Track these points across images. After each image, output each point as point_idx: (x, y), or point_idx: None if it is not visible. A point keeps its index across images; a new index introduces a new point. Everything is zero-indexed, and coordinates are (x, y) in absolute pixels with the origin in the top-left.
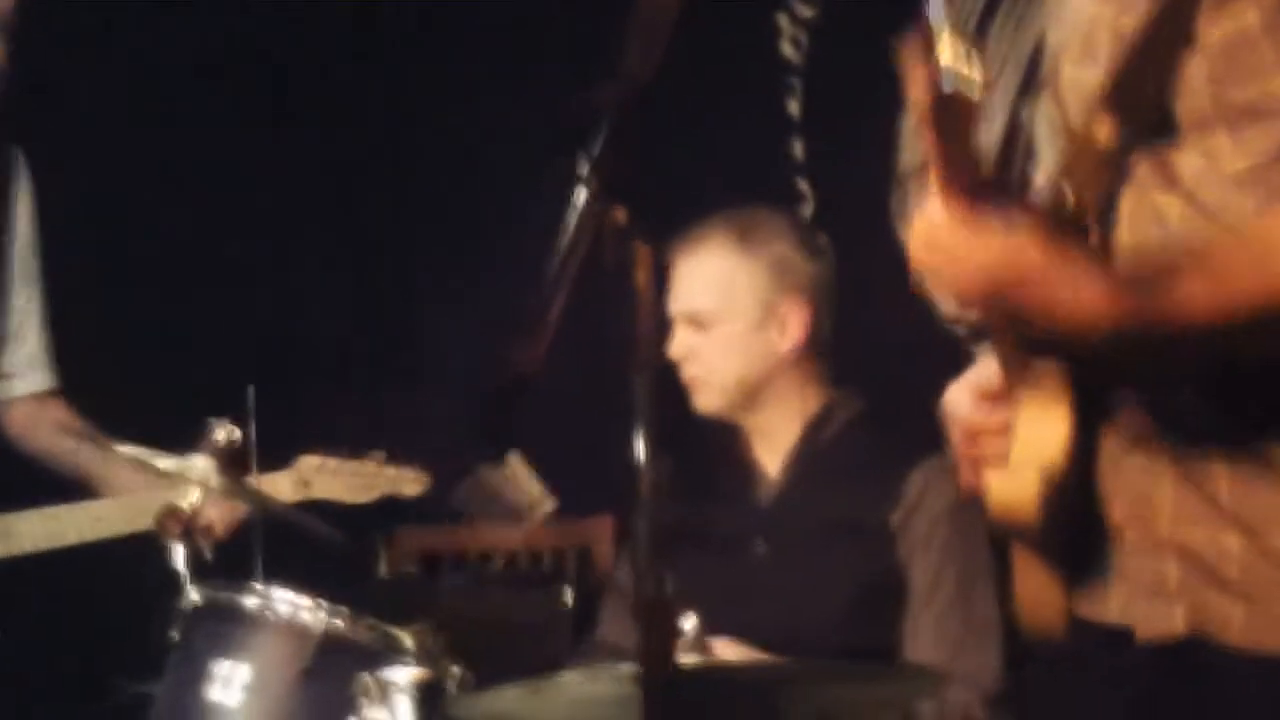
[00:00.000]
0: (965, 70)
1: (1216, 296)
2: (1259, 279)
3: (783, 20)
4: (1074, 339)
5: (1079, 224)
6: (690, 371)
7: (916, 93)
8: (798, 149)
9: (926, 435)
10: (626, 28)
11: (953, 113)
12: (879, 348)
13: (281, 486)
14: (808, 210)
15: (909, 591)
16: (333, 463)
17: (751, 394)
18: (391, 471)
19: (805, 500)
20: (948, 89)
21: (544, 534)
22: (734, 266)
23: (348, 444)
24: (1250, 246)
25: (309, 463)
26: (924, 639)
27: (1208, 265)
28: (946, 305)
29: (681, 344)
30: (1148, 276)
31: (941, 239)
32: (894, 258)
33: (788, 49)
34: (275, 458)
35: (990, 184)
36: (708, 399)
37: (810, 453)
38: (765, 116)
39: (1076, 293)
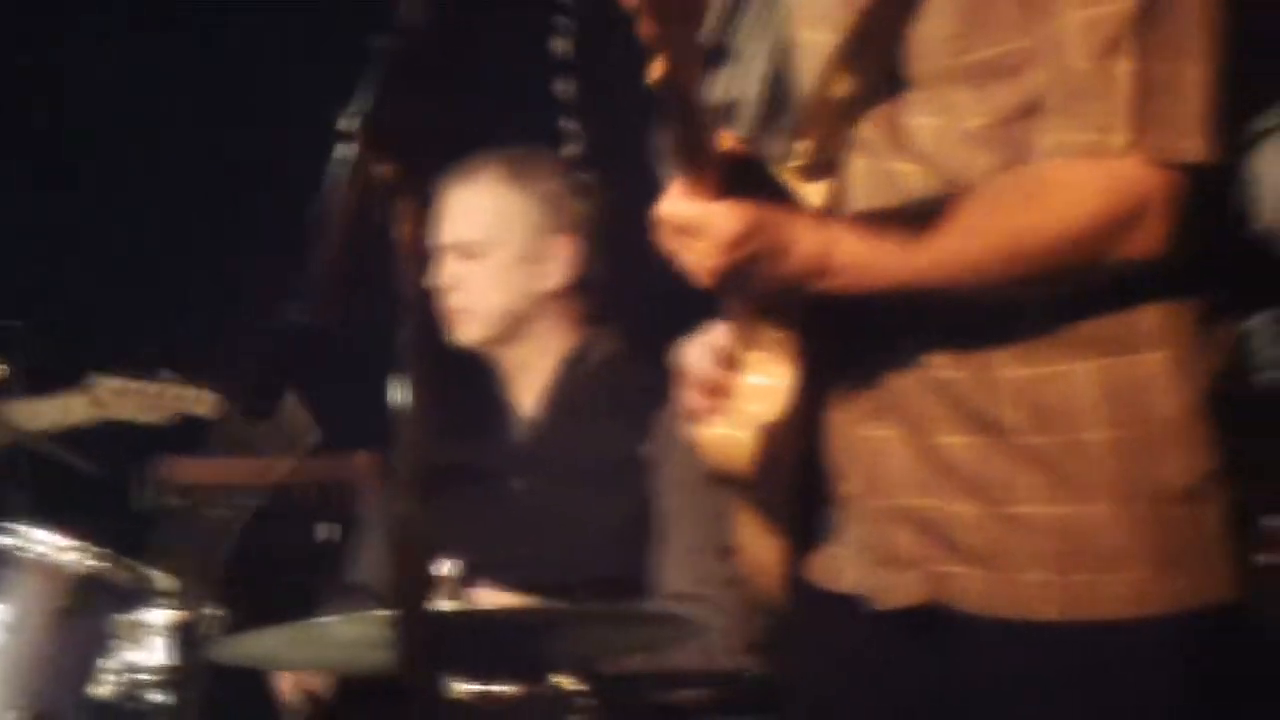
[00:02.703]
0: None
1: (966, 253)
2: (1007, 234)
3: None
4: (817, 300)
5: (811, 179)
6: (455, 301)
7: None
8: (565, 88)
9: None
10: None
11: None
12: (642, 287)
13: (74, 407)
14: (576, 150)
15: (660, 524)
16: (125, 383)
17: (513, 328)
18: (183, 391)
19: (560, 437)
20: None
21: (308, 468)
22: (505, 200)
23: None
24: (998, 201)
25: (101, 383)
26: (673, 569)
27: (955, 223)
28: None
29: (449, 274)
30: (898, 237)
31: (675, 219)
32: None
33: None
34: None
35: (720, 152)
36: (469, 329)
37: (565, 390)
38: (535, 57)
39: (821, 257)
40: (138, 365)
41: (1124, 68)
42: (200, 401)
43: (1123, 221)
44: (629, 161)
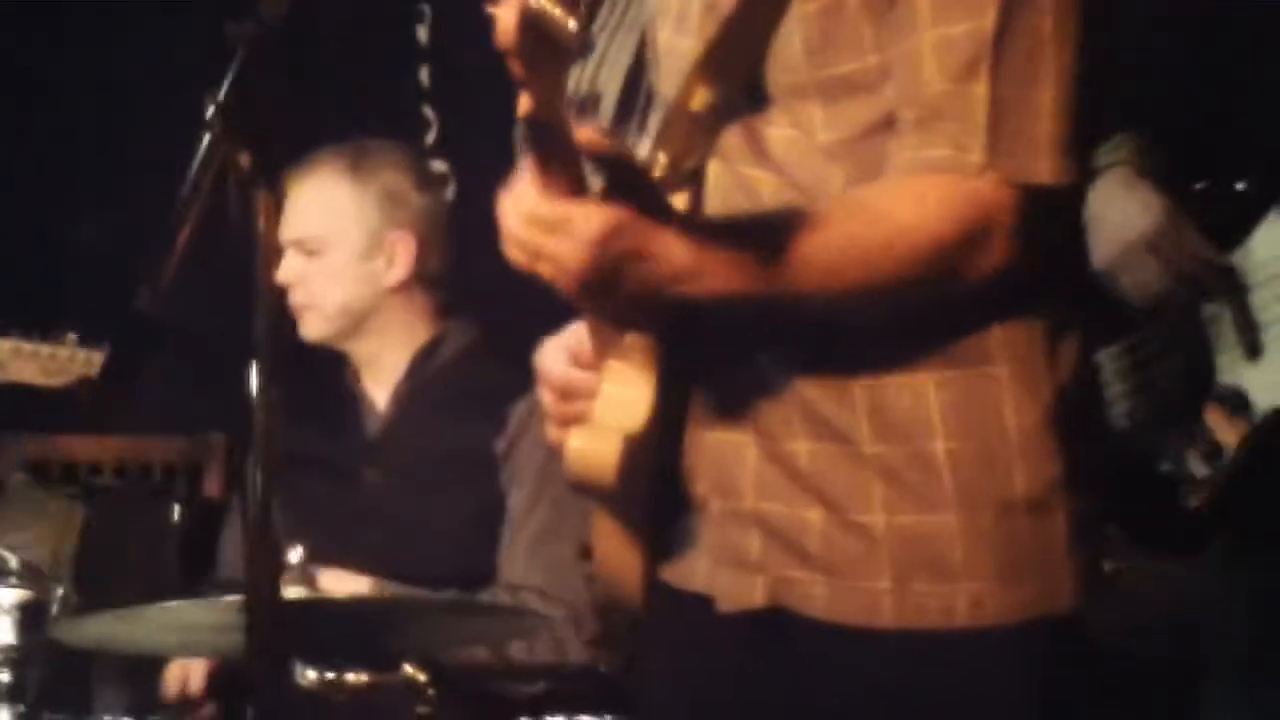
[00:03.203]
0: (556, 8)
1: (823, 262)
2: (862, 246)
3: None
4: (669, 307)
5: (671, 190)
6: (297, 298)
7: (504, 17)
8: (424, 76)
9: None
10: None
11: (544, 42)
12: (500, 276)
13: None
14: (431, 137)
15: (507, 515)
16: (26, 345)
17: (357, 322)
18: (85, 354)
19: (413, 430)
20: (535, 15)
21: (156, 448)
22: (343, 195)
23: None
24: (855, 214)
25: (1, 345)
26: (517, 563)
27: (815, 233)
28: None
29: (290, 270)
30: (757, 246)
31: (536, 215)
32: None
33: None
34: None
35: (576, 148)
36: (313, 325)
37: (418, 383)
38: (395, 44)
39: (678, 257)
40: (38, 327)
41: (980, 90)
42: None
43: (972, 238)
44: (488, 148)
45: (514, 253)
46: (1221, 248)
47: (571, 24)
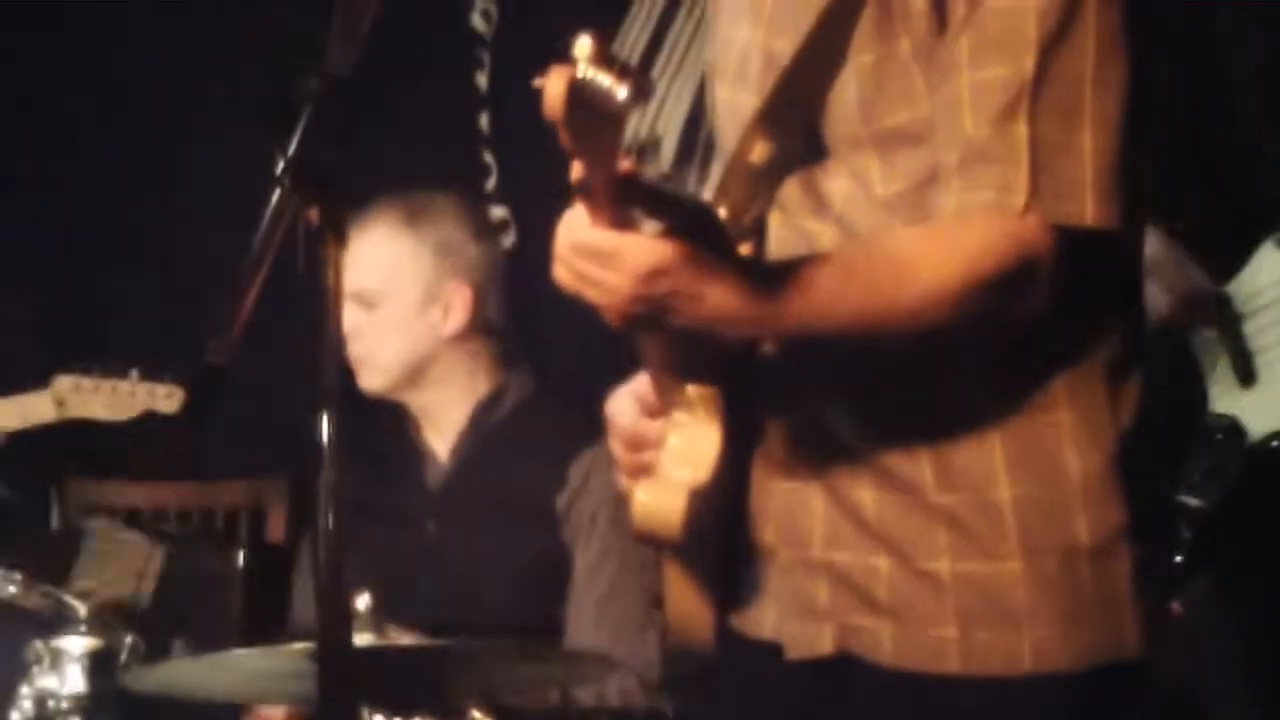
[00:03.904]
0: (606, 78)
1: (877, 299)
2: (912, 283)
3: None
4: (737, 358)
5: (733, 240)
6: (355, 350)
7: (551, 92)
8: (484, 122)
9: (598, 417)
10: (328, 22)
11: (592, 113)
12: (560, 325)
13: (39, 407)
14: (491, 183)
15: (573, 575)
16: (88, 381)
17: (415, 374)
18: (148, 387)
19: (474, 482)
20: (582, 89)
21: (219, 492)
22: (399, 247)
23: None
24: (903, 255)
25: (64, 382)
26: (585, 623)
27: (865, 273)
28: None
29: (347, 322)
30: (810, 283)
31: (587, 245)
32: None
33: (478, 21)
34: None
35: (639, 188)
36: (371, 378)
37: (479, 435)
38: (455, 90)
39: (725, 298)
40: (101, 364)
41: (1021, 132)
42: (166, 398)
43: (1012, 278)
44: (548, 194)
45: (562, 275)
46: (1216, 279)
47: (623, 92)
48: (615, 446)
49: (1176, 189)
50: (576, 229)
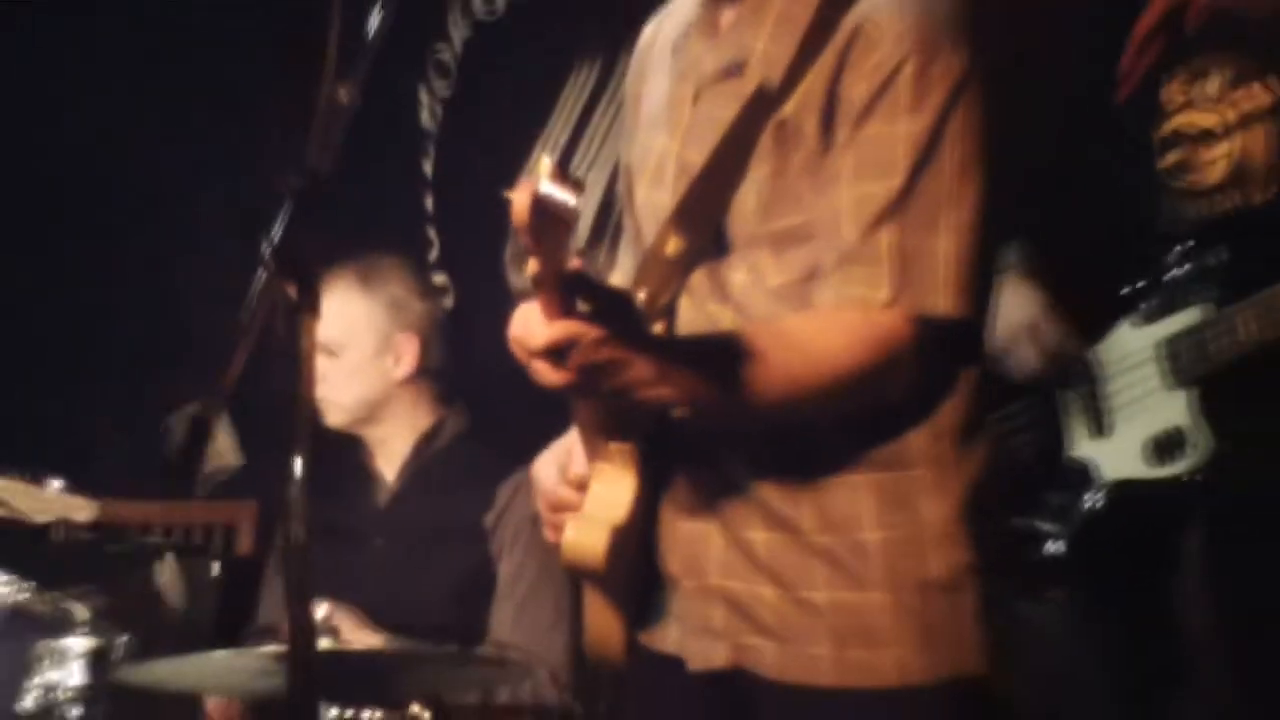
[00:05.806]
0: (561, 190)
1: (764, 380)
2: (795, 367)
3: (423, 94)
4: (652, 417)
5: (648, 321)
6: (321, 393)
7: (517, 203)
8: (429, 202)
9: (522, 447)
10: (307, 125)
11: (549, 219)
12: (487, 370)
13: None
14: (433, 254)
15: (497, 582)
16: (19, 485)
17: (371, 412)
18: (67, 499)
19: (416, 503)
20: (543, 200)
21: (195, 511)
22: (356, 304)
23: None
24: (788, 342)
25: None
26: (505, 625)
27: (757, 358)
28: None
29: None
30: (714, 364)
31: (536, 331)
32: (504, 294)
33: (426, 119)
34: None
35: (583, 281)
36: (335, 415)
37: (420, 462)
38: (405, 176)
39: (644, 369)
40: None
41: (886, 239)
42: (81, 509)
43: (882, 364)
44: (481, 264)
45: (520, 353)
46: (1088, 340)
47: (573, 201)
48: (540, 505)
49: (1053, 258)
50: (529, 320)
